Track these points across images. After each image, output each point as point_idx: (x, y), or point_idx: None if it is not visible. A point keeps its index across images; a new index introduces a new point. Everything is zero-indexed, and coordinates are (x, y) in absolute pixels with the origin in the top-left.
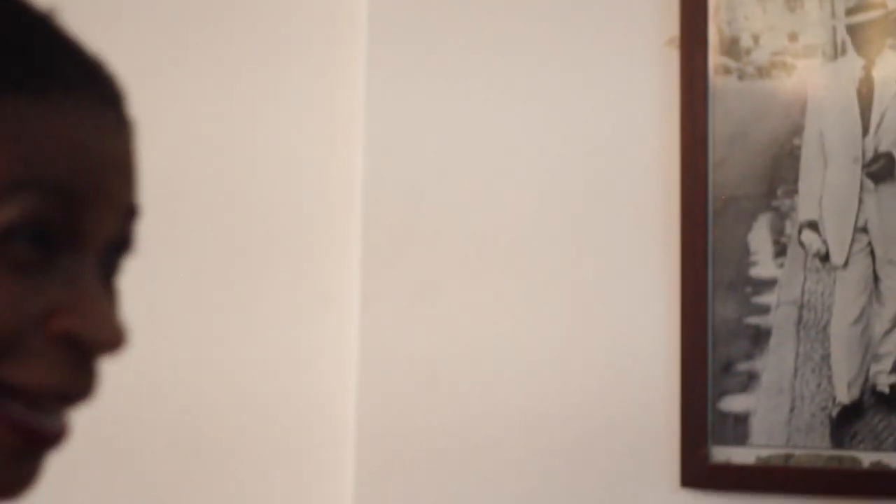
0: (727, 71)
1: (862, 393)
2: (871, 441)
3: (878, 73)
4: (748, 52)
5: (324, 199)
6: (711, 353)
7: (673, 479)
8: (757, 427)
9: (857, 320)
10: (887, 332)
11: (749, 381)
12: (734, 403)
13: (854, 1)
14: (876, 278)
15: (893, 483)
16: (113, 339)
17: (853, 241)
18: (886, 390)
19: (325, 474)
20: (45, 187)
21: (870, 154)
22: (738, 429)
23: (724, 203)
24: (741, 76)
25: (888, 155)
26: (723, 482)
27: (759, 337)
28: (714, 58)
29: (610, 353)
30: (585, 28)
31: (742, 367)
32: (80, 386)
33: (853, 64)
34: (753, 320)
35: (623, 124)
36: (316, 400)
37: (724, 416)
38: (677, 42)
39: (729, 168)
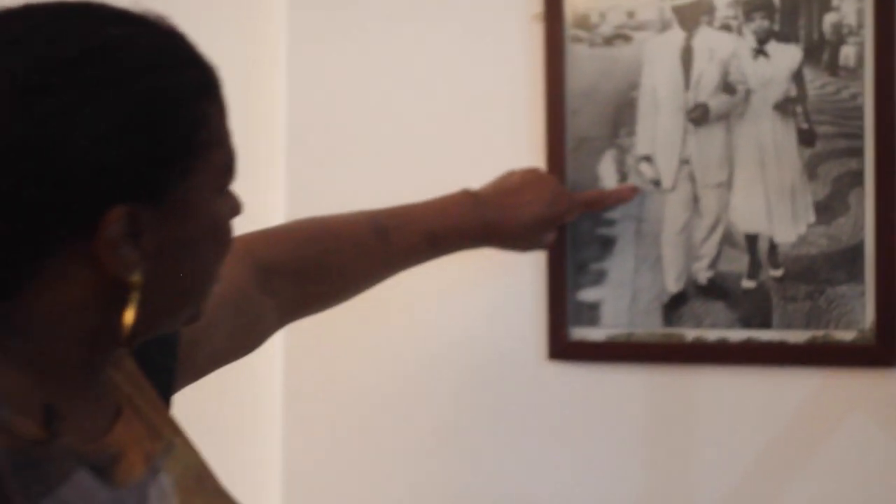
0: (580, 40)
1: (686, 285)
2: (693, 321)
3: (695, 43)
4: (596, 26)
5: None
6: (571, 256)
7: (542, 354)
8: (606, 312)
9: (681, 230)
10: (704, 239)
11: (599, 278)
12: (588, 295)
13: None
14: (696, 198)
15: (709, 352)
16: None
17: (679, 170)
18: (704, 282)
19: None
20: (231, 153)
21: (690, 104)
22: (591, 314)
23: (578, 143)
24: (591, 44)
25: (704, 105)
26: (580, 355)
27: (607, 244)
28: (570, 30)
29: (491, 254)
30: (468, 7)
31: (594, 267)
32: None
33: (677, 36)
34: (602, 231)
35: (498, 83)
36: None
37: (581, 304)
38: (541, 17)
39: (582, 116)
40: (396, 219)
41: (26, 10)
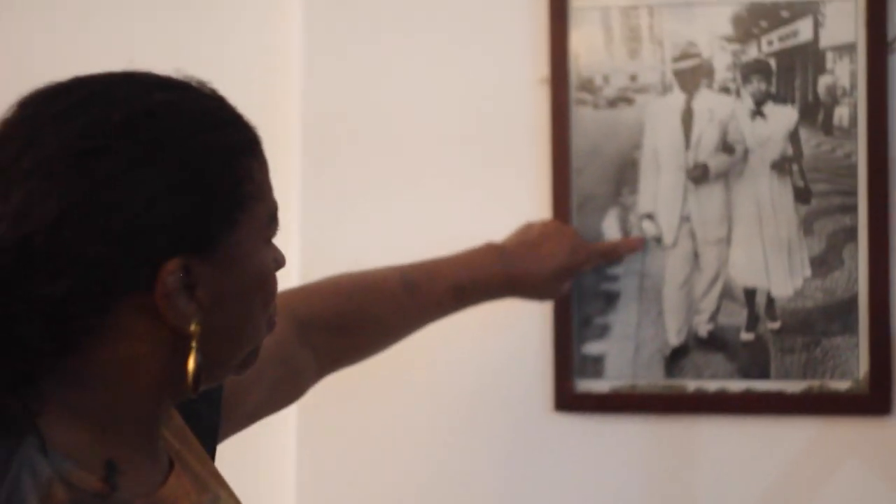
0: (584, 103)
1: (687, 338)
2: (694, 372)
3: (696, 105)
4: (600, 88)
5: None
6: (576, 311)
7: (548, 405)
8: (610, 365)
9: (682, 285)
10: (705, 293)
11: (603, 332)
12: (593, 348)
13: (678, 51)
14: (696, 254)
15: (710, 402)
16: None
17: (679, 227)
18: (705, 335)
19: None
20: (274, 206)
21: (691, 163)
22: (596, 366)
23: (583, 201)
24: (595, 106)
25: (704, 165)
26: (586, 406)
27: (611, 298)
28: (575, 93)
29: (499, 309)
30: (478, 72)
31: (599, 321)
32: None
33: (678, 98)
34: (606, 286)
35: (507, 142)
36: None
37: (586, 357)
38: (547, 81)
39: (587, 174)
40: (424, 273)
41: (75, 81)
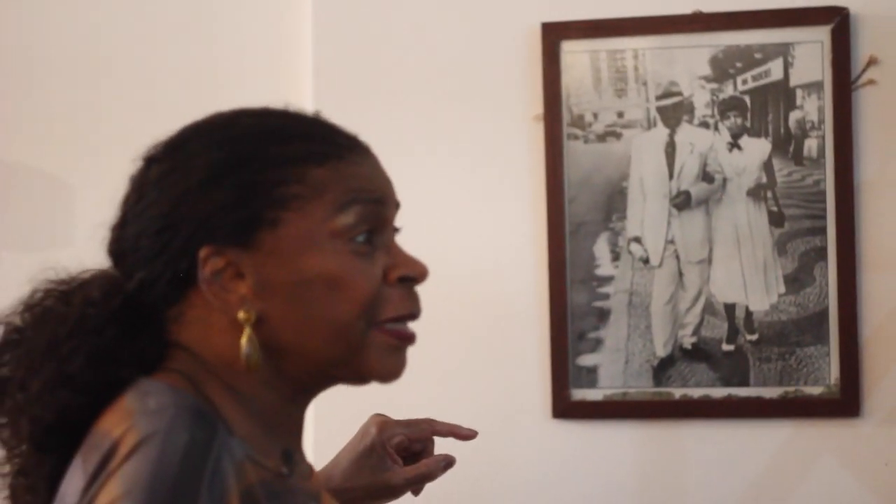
0: (576, 137)
1: (673, 349)
2: (680, 381)
3: (678, 139)
4: (590, 124)
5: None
6: (571, 326)
7: (547, 412)
8: (603, 375)
9: (668, 301)
10: (688, 309)
11: (596, 345)
12: (587, 360)
13: (661, 90)
14: (680, 273)
15: (695, 408)
16: (425, 270)
17: (664, 249)
18: (689, 347)
19: None
20: (363, 200)
21: (674, 191)
22: (590, 376)
23: (576, 227)
24: (586, 141)
25: (686, 192)
26: (581, 413)
27: (603, 315)
28: (567, 129)
29: (499, 325)
30: (479, 111)
31: (592, 335)
32: (418, 307)
33: (661, 132)
34: (598, 304)
35: (507, 175)
36: None
37: (581, 368)
38: (542, 118)
39: (579, 202)
40: None
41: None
